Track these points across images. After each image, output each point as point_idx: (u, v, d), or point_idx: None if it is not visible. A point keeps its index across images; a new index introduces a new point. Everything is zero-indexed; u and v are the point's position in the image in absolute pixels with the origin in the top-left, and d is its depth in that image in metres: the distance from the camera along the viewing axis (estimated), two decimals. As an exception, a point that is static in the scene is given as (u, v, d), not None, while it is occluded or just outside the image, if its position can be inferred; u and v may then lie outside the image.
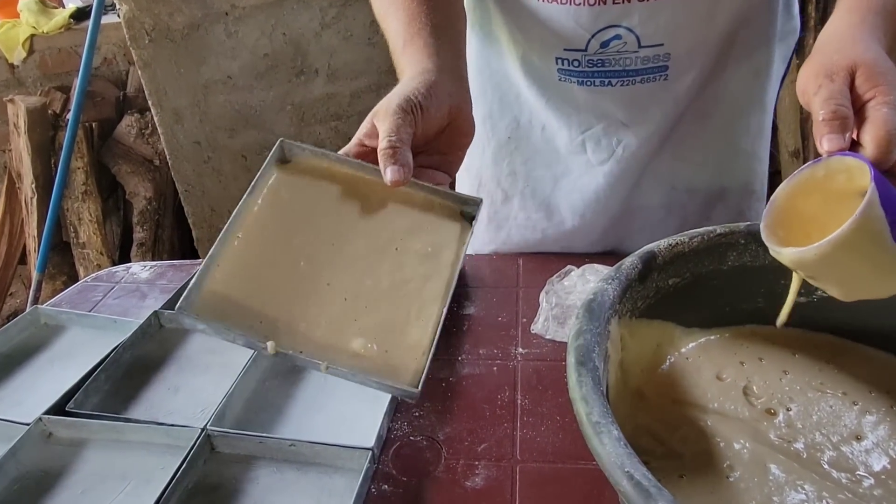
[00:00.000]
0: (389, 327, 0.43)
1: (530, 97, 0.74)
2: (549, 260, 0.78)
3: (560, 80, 0.69)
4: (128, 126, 1.94)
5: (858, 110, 0.42)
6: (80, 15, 2.09)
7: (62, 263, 1.94)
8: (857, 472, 0.47)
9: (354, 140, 0.49)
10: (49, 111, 1.90)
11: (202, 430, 0.54)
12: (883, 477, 0.46)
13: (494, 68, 0.74)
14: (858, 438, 0.50)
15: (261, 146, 1.84)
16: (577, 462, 0.53)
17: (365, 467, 0.50)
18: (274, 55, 1.73)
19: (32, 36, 2.03)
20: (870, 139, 0.40)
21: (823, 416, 0.52)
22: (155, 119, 1.76)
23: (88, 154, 1.85)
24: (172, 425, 0.56)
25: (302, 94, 1.79)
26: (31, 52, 2.04)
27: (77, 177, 1.84)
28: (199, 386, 0.64)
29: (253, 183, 0.47)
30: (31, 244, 1.91)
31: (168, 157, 1.81)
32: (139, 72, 1.67)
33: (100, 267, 1.89)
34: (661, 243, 0.54)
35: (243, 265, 0.43)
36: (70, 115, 1.71)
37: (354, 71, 1.77)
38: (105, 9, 1.86)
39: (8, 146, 1.93)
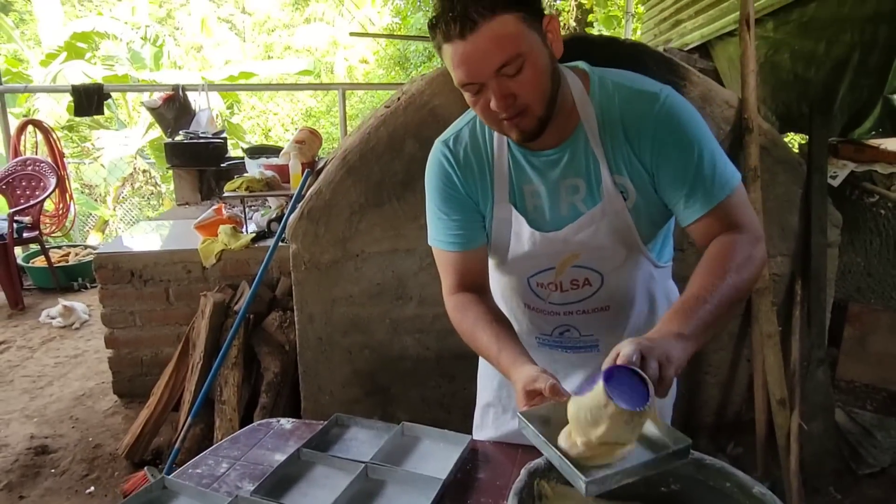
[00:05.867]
0: None
1: None
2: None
3: (539, 346, 1.17)
4: (273, 319, 2.52)
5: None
6: (258, 238, 2.83)
7: (204, 413, 2.40)
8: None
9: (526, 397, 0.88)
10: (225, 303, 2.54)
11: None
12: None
13: None
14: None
15: (361, 346, 2.34)
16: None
17: None
18: (383, 284, 2.24)
19: (222, 250, 2.77)
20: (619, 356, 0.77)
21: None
22: (295, 318, 2.32)
23: (243, 336, 2.42)
24: None
25: (398, 313, 2.27)
26: (219, 260, 2.76)
27: (232, 351, 2.40)
28: None
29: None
30: (186, 396, 2.43)
31: (298, 346, 2.30)
32: (293, 287, 2.25)
33: (231, 421, 2.36)
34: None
35: None
36: (241, 309, 2.32)
37: (438, 301, 2.22)
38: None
39: (191, 323, 2.55)
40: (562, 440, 0.82)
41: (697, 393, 2.50)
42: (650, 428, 0.83)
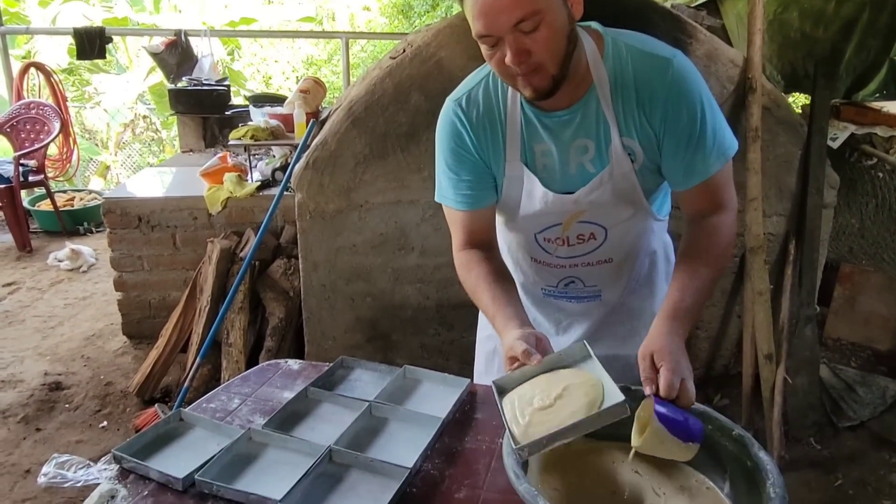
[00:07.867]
0: None
1: (530, 304, 1.26)
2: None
3: (544, 297, 1.21)
4: (278, 266, 2.56)
5: (658, 372, 0.87)
6: (263, 186, 2.85)
7: (211, 355, 2.47)
8: None
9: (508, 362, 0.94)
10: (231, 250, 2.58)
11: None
12: None
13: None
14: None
15: (364, 294, 2.40)
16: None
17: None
18: (386, 235, 2.28)
19: (228, 198, 2.79)
20: (661, 386, 0.85)
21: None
22: (300, 265, 2.37)
23: (249, 282, 2.47)
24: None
25: (400, 263, 2.32)
26: (224, 207, 2.79)
27: (238, 296, 2.45)
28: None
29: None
30: (194, 338, 2.49)
31: (302, 292, 2.37)
32: (298, 236, 2.29)
33: (238, 362, 2.44)
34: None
35: None
36: (247, 256, 2.37)
37: (439, 251, 2.29)
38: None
39: (198, 268, 2.60)
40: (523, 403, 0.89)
41: (688, 347, 2.54)
42: (606, 381, 0.89)
